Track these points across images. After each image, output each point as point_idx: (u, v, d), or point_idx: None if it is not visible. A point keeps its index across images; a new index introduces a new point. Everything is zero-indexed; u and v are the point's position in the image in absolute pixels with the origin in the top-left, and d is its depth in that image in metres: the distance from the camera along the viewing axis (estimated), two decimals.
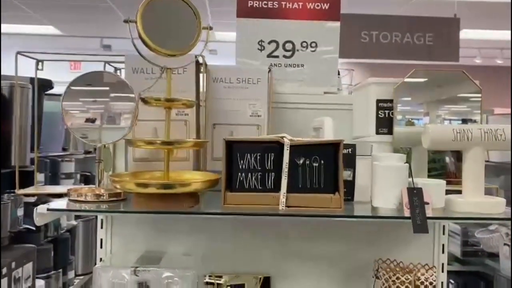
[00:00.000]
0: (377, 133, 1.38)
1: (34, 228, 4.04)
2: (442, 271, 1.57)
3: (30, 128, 3.65)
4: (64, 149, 4.08)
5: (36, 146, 1.59)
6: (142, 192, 1.10)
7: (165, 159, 1.16)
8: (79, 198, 1.16)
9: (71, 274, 3.97)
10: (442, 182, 1.17)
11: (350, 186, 1.29)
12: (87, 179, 4.15)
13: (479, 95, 1.40)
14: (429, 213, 1.08)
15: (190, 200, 1.13)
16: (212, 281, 1.58)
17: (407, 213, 1.08)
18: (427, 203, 1.08)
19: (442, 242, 1.58)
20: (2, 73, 2.60)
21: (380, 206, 1.15)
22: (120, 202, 1.20)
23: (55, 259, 4.40)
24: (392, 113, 1.37)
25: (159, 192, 1.07)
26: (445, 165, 1.45)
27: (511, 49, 1.39)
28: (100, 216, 1.57)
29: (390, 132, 1.37)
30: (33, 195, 1.11)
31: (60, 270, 3.83)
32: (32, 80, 2.65)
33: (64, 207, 1.18)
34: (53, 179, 4.31)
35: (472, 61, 7.56)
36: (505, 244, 3.48)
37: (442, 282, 1.57)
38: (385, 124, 1.38)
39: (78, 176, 4.09)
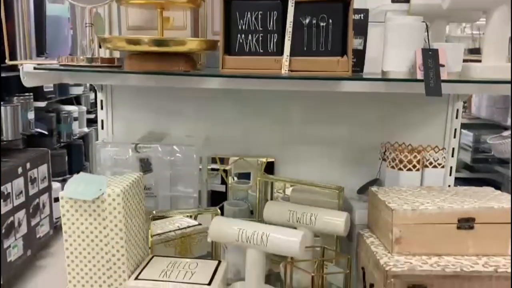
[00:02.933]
0: (393, 1, 1.26)
1: (46, 133, 4.11)
2: (452, 156, 1.52)
3: (34, 32, 3.54)
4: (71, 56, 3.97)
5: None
6: (134, 52, 1.03)
7: (158, 19, 1.07)
8: (71, 63, 1.10)
9: None
10: (460, 44, 1.07)
11: (360, 56, 1.20)
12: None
13: None
14: (444, 76, 0.99)
15: (186, 64, 1.06)
16: (218, 167, 1.56)
17: (420, 75, 0.99)
18: (442, 65, 0.99)
19: (455, 126, 1.52)
20: None
21: (391, 70, 1.06)
22: (113, 69, 1.14)
23: (69, 164, 4.52)
24: None
25: (151, 50, 1.00)
26: None
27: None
28: (100, 97, 1.53)
29: None
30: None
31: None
32: None
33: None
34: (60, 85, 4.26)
35: None
36: None
37: (451, 167, 1.52)
38: None
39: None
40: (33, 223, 3.53)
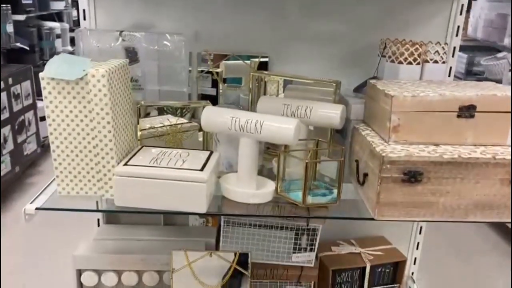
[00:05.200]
0: None
1: (27, 48, 3.94)
2: (453, 56, 1.47)
3: None
4: None
5: None
6: None
7: None
8: None
9: None
10: None
11: None
12: None
13: None
14: None
15: None
16: (208, 68, 1.49)
17: None
18: None
19: (458, 23, 1.44)
20: None
21: None
22: None
23: None
24: None
25: None
26: None
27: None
28: None
29: None
30: None
31: None
32: None
33: None
34: None
35: None
36: (510, 70, 3.38)
37: (450, 67, 1.47)
38: None
39: None
40: (19, 140, 3.48)
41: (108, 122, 1.02)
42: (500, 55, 3.62)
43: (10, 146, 3.32)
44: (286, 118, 1.08)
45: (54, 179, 1.10)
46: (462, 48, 3.87)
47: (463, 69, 3.83)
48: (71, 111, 1.02)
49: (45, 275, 2.44)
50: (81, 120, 1.03)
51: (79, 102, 1.01)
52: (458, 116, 1.06)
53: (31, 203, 1.06)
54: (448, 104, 1.05)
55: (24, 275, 2.43)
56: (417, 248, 1.71)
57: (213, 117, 1.11)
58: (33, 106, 3.75)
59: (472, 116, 1.06)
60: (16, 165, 3.41)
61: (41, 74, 1.00)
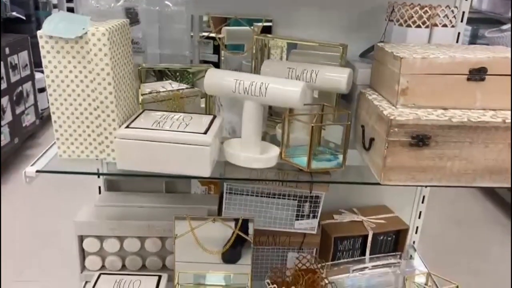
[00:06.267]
0: None
1: (23, 17, 3.86)
2: (462, 21, 1.43)
3: None
4: None
5: None
6: None
7: None
8: None
9: None
10: None
11: None
12: None
13: None
14: None
15: None
16: (211, 34, 1.44)
17: None
18: None
19: None
20: None
21: None
22: None
23: None
24: None
25: None
26: None
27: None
28: None
29: None
30: None
31: None
32: None
33: None
34: None
35: None
36: None
37: (458, 33, 1.43)
38: None
39: None
40: (18, 111, 3.44)
41: (109, 83, 1.00)
42: (505, 27, 3.56)
43: (8, 117, 3.29)
44: (292, 80, 1.05)
45: (54, 142, 1.08)
46: (467, 21, 3.81)
47: (467, 42, 3.77)
48: (70, 71, 0.99)
49: (47, 243, 2.44)
50: (81, 81, 1.00)
51: (78, 62, 0.98)
52: (468, 79, 1.03)
53: (31, 165, 1.04)
54: (458, 67, 1.02)
55: (25, 244, 2.44)
56: (419, 217, 1.70)
57: (216, 79, 1.08)
58: (31, 77, 3.70)
59: (482, 79, 1.03)
60: (15, 137, 3.38)
61: (39, 32, 0.96)
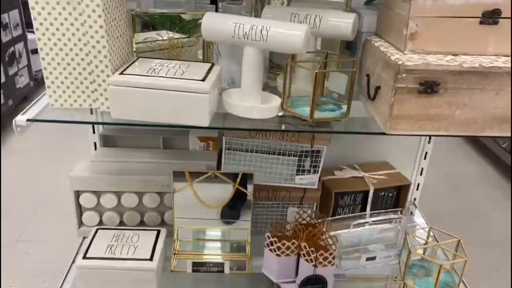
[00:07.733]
0: None
1: None
2: None
3: None
4: None
5: None
6: None
7: None
8: None
9: None
10: None
11: None
12: None
13: None
14: None
15: None
16: None
17: None
18: None
19: None
20: None
21: None
22: None
23: None
24: None
25: None
26: None
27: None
28: None
29: None
30: None
31: None
32: None
33: None
34: None
35: None
36: None
37: None
38: None
39: None
40: (11, 72, 3.36)
41: (101, 26, 0.94)
42: None
43: (1, 78, 3.21)
44: (294, 24, 0.99)
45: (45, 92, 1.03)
46: None
47: None
48: (59, 13, 0.93)
49: (45, 202, 2.43)
50: (71, 24, 0.94)
51: (67, 3, 0.92)
52: (481, 23, 0.97)
53: (22, 114, 1.00)
54: (471, 9, 0.96)
55: (23, 204, 2.43)
56: (420, 174, 1.68)
57: (214, 23, 1.02)
58: (23, 38, 3.60)
59: (495, 23, 0.98)
60: (9, 98, 3.32)
61: None
